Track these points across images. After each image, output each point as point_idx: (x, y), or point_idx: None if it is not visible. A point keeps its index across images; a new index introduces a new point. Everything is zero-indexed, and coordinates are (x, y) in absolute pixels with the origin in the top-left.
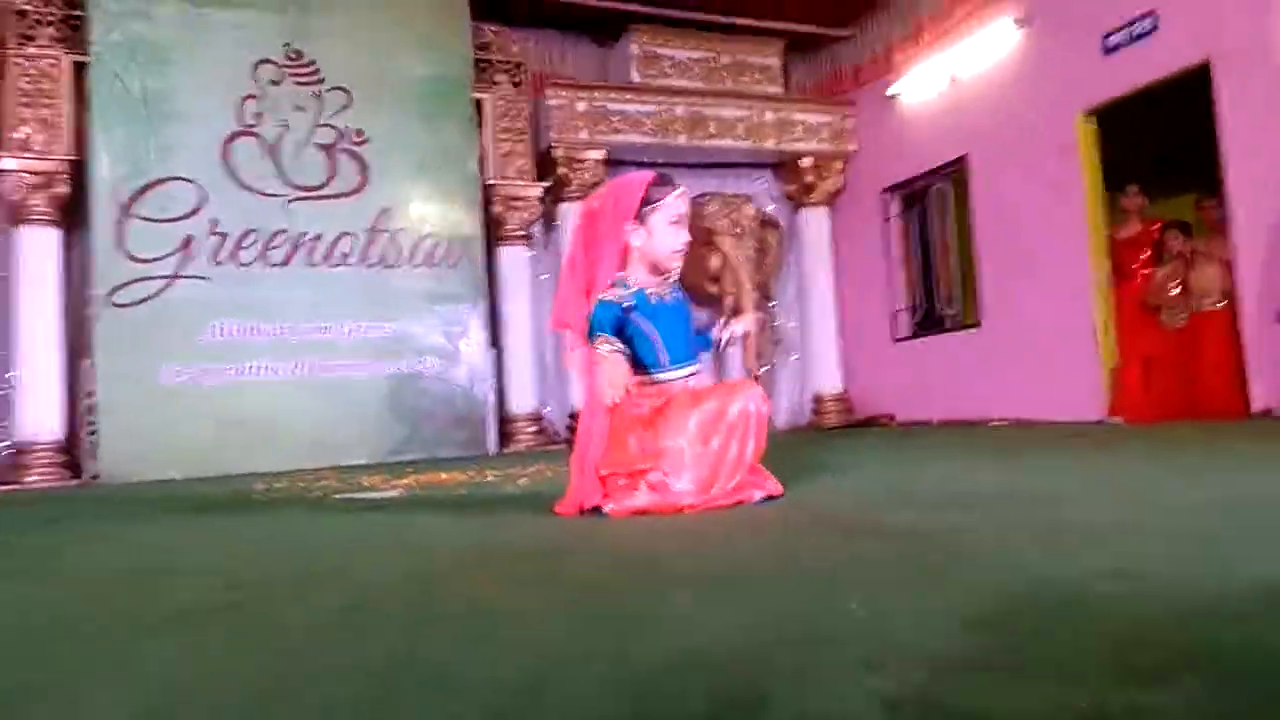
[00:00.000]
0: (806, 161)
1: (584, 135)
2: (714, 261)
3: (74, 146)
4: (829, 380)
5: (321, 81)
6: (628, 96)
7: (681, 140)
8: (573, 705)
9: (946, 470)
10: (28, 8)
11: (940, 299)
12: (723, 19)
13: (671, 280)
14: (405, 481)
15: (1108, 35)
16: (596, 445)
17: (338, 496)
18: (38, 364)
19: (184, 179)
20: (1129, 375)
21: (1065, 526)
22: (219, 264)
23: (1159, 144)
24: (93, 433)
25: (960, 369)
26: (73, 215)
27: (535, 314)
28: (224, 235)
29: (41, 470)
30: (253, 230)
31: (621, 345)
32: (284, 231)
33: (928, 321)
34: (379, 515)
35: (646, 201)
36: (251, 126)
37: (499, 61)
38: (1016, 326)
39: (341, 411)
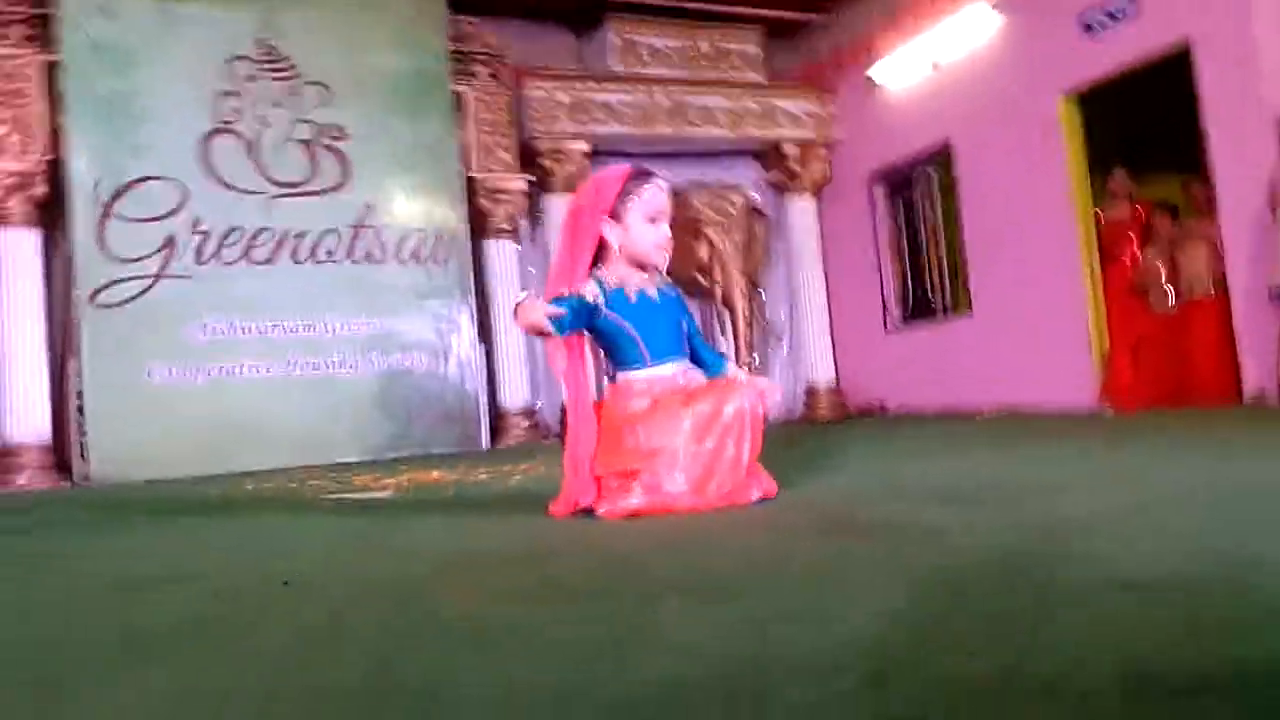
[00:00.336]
0: (790, 149)
1: (566, 126)
2: (702, 252)
3: (50, 146)
4: (821, 371)
5: (297, 77)
6: (609, 87)
7: (664, 130)
8: None
9: (941, 463)
10: None
11: (930, 286)
12: (700, 5)
13: (657, 274)
14: (396, 480)
15: (1086, 16)
16: (585, 444)
17: (327, 497)
18: (24, 366)
19: (163, 178)
20: (1119, 360)
21: (1064, 523)
22: (202, 263)
23: (1144, 125)
24: (82, 434)
25: (952, 357)
26: (53, 216)
27: None
28: (206, 233)
29: (31, 472)
30: (236, 228)
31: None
32: (267, 229)
33: (918, 309)
34: (368, 517)
35: (623, 196)
36: (229, 123)
37: (477, 53)
38: (1006, 312)
39: (331, 409)
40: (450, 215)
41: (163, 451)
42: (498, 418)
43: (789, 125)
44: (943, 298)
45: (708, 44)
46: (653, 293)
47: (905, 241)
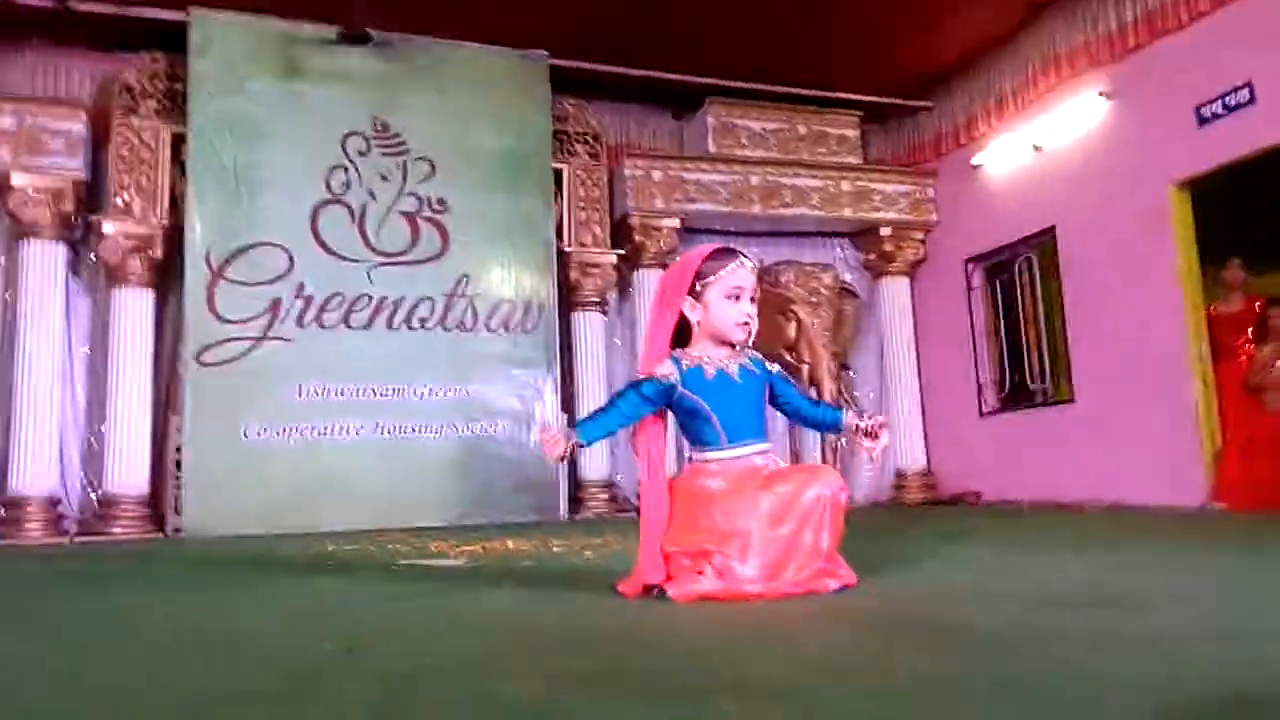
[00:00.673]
0: (885, 231)
1: (659, 204)
2: (790, 330)
3: (170, 212)
4: (912, 455)
5: (407, 152)
6: (703, 166)
7: (756, 209)
8: None
9: (1037, 560)
10: (134, 82)
11: (1028, 372)
12: (800, 91)
13: (742, 353)
14: (472, 548)
15: (1200, 106)
16: (656, 523)
17: (403, 563)
18: (128, 419)
19: (273, 244)
20: (1231, 459)
21: (1172, 639)
22: (303, 326)
23: (1261, 217)
24: (177, 488)
25: (1051, 446)
26: (167, 277)
27: (609, 379)
28: (309, 298)
29: (127, 522)
30: (337, 294)
31: (576, 436)
32: (366, 295)
33: (1015, 395)
34: (439, 586)
35: (704, 275)
36: (339, 195)
37: (577, 133)
38: (1110, 404)
39: (416, 472)
40: (540, 287)
41: (253, 508)
42: (577, 488)
43: (885, 206)
44: (1042, 385)
45: (805, 127)
46: (733, 371)
47: (1003, 325)
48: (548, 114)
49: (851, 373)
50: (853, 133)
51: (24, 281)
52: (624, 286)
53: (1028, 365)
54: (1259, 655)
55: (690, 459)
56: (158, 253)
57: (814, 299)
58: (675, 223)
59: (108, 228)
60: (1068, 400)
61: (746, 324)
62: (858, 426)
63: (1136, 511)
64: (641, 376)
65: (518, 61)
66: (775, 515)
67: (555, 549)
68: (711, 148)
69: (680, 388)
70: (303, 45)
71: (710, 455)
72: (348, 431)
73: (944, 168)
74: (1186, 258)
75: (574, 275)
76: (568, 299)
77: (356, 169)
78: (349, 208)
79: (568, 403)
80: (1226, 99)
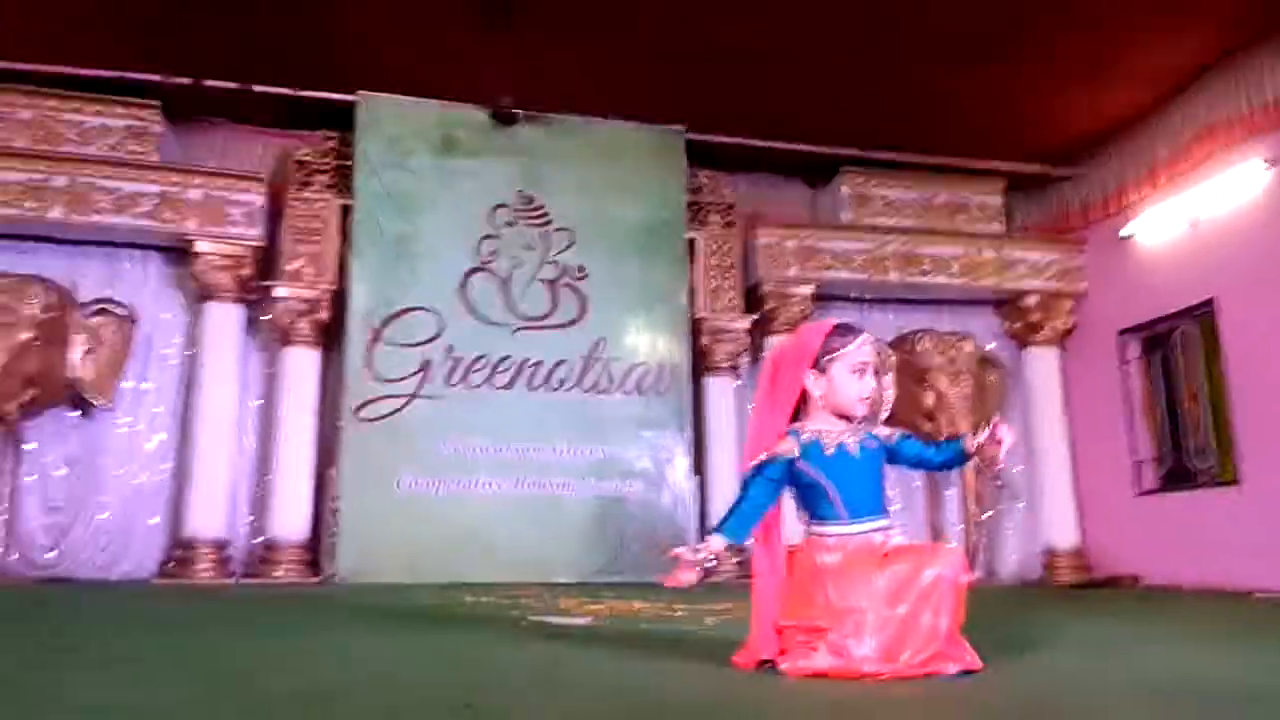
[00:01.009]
0: (1031, 300)
1: (793, 272)
2: (928, 400)
3: (336, 278)
4: (1063, 533)
5: (549, 223)
6: (838, 234)
7: (893, 277)
8: None
9: (1195, 652)
10: (307, 159)
11: (1189, 450)
12: (939, 160)
13: (859, 428)
14: (599, 607)
15: None
16: (770, 598)
17: (531, 618)
18: (292, 470)
19: (427, 309)
20: None
21: None
22: (451, 385)
23: None
24: (333, 535)
25: (1215, 529)
26: (330, 338)
27: (739, 442)
28: (458, 360)
29: (286, 566)
30: (482, 356)
31: (713, 552)
32: (509, 357)
33: (1175, 474)
34: (560, 646)
35: (828, 349)
36: (487, 263)
37: (711, 203)
38: None
39: (553, 529)
40: (674, 351)
41: (402, 557)
42: None
43: (1030, 275)
44: (1204, 464)
45: (945, 195)
46: (853, 447)
47: (1161, 401)
48: (683, 185)
49: None
50: (995, 200)
51: (205, 340)
52: (756, 352)
53: (1187, 444)
54: None
55: (808, 533)
56: (324, 315)
57: (953, 368)
58: (809, 290)
59: (280, 291)
60: (1233, 480)
61: (869, 399)
62: (980, 444)
63: None
64: (764, 458)
65: (655, 135)
66: (892, 594)
67: (678, 613)
68: (847, 215)
69: (799, 461)
70: (457, 125)
71: (829, 530)
72: (490, 487)
73: (1092, 236)
74: None
75: (706, 341)
76: (700, 364)
77: (503, 239)
78: (495, 275)
79: (699, 466)
80: None
